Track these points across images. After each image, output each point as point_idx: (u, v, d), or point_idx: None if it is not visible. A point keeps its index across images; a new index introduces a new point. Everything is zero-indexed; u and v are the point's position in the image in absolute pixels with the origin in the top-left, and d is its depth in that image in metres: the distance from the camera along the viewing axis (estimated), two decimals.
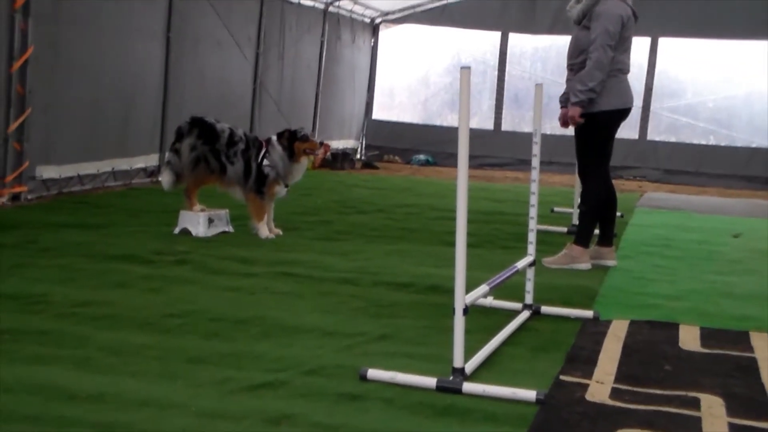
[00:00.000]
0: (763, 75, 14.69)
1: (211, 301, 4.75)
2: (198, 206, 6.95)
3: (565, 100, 6.48)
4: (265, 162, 6.87)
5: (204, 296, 4.88)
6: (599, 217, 6.42)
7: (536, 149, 4.81)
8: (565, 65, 6.49)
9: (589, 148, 6.29)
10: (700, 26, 14.21)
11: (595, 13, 6.09)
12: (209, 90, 11.20)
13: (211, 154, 6.89)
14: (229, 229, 7.02)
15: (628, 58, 6.27)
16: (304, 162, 7.03)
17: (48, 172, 8.34)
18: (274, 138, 6.97)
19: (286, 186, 7.04)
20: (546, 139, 12.67)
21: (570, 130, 6.49)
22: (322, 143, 7.06)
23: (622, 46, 6.13)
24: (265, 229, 6.89)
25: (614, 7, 6.09)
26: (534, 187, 4.83)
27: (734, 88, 14.98)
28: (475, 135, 15.16)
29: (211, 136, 6.89)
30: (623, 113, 6.28)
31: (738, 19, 14.31)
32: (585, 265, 6.25)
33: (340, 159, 14.09)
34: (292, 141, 6.88)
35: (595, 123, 6.14)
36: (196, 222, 6.77)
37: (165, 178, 7.02)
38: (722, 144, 15.07)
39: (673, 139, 14.80)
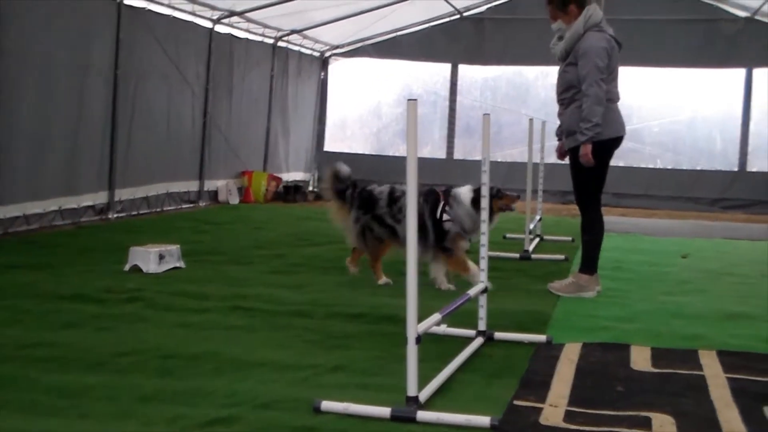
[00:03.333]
0: (705, 100, 15.15)
1: (163, 338, 4.70)
2: (384, 279, 6.59)
3: (560, 133, 6.58)
4: (445, 216, 6.45)
5: (155, 333, 4.82)
6: (601, 243, 6.43)
7: (485, 177, 4.85)
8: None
9: (587, 179, 6.31)
10: (643, 56, 14.49)
11: (581, 49, 6.16)
12: (157, 126, 11.16)
13: (374, 221, 6.57)
14: (181, 264, 6.96)
15: (616, 87, 6.33)
16: (496, 218, 6.58)
17: None
18: (461, 192, 6.49)
19: (470, 241, 6.60)
20: (497, 167, 12.83)
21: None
22: (518, 196, 6.74)
23: (609, 76, 6.21)
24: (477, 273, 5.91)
25: (598, 41, 6.15)
26: (484, 215, 4.87)
27: (678, 113, 15.38)
28: (428, 164, 15.34)
29: (368, 203, 6.61)
30: (617, 141, 6.34)
31: (678, 48, 14.77)
32: (592, 293, 6.27)
33: (293, 192, 14.10)
34: (490, 200, 6.56)
35: (592, 153, 6.18)
36: (147, 258, 6.70)
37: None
38: (668, 167, 15.39)
39: (621, 164, 15.00)
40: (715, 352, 4.64)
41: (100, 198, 10.03)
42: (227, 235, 9.32)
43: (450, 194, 6.52)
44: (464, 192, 6.51)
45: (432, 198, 6.51)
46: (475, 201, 6.28)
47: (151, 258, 6.71)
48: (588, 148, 6.13)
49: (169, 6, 11.00)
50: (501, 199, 6.58)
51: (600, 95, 6.09)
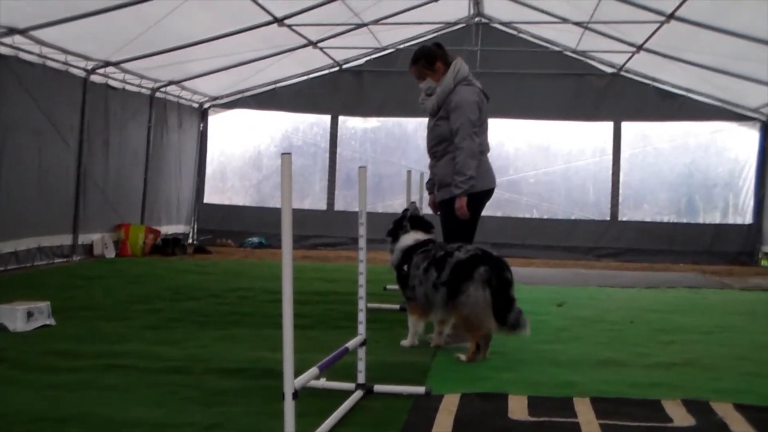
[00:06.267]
0: (577, 152, 15.77)
1: (30, 401, 4.48)
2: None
3: (431, 186, 6.68)
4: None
5: (21, 396, 4.59)
6: None
7: (362, 230, 4.87)
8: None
9: (458, 231, 6.40)
10: (518, 108, 15.05)
11: (452, 103, 6.31)
12: (28, 178, 10.77)
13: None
14: (51, 322, 6.69)
15: (486, 139, 6.52)
16: None
17: None
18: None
19: None
20: (378, 217, 12.96)
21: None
22: None
23: (480, 128, 6.39)
24: None
25: (469, 95, 6.33)
26: (362, 267, 4.87)
27: (552, 164, 15.90)
28: (309, 216, 15.35)
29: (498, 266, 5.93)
30: (489, 193, 6.52)
31: (550, 101, 15.38)
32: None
33: (171, 244, 13.83)
34: None
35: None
36: (14, 316, 6.41)
37: None
38: (545, 217, 15.85)
39: (499, 214, 15.37)
40: (589, 399, 4.74)
41: None
42: (102, 290, 9.04)
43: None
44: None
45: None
46: None
47: (18, 315, 6.42)
48: (463, 200, 6.27)
49: (40, 55, 10.70)
50: None
51: (473, 148, 6.26)
